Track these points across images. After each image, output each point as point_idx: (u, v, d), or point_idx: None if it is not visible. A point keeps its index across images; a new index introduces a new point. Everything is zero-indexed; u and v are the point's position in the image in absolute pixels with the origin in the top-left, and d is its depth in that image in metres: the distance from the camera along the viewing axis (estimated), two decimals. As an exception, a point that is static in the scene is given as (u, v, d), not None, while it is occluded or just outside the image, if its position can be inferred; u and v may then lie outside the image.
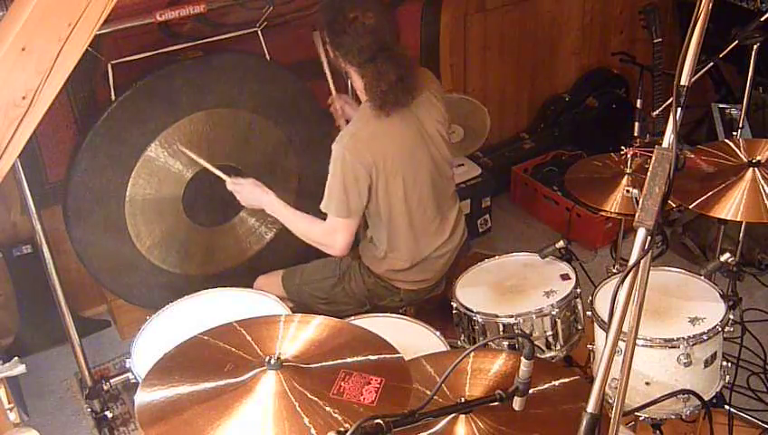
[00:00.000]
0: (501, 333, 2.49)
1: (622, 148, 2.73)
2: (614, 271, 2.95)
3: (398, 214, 2.61)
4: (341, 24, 2.41)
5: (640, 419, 2.33)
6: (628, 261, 1.35)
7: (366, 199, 2.53)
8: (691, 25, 1.35)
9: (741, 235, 2.81)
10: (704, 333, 2.22)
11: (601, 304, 2.38)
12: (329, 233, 2.57)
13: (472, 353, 1.91)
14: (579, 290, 2.57)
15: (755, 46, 2.95)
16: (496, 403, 1.63)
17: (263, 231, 3.32)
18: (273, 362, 1.63)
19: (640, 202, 1.34)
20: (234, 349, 1.74)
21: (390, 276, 2.73)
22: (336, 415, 1.53)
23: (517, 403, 1.62)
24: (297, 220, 2.67)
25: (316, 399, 1.57)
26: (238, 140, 3.10)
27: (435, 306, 2.93)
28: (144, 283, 3.12)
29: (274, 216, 2.74)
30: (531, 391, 1.61)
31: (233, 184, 2.78)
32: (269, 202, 2.71)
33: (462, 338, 2.61)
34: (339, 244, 2.56)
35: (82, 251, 2.96)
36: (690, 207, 2.39)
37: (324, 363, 1.68)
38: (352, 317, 2.46)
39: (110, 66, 2.74)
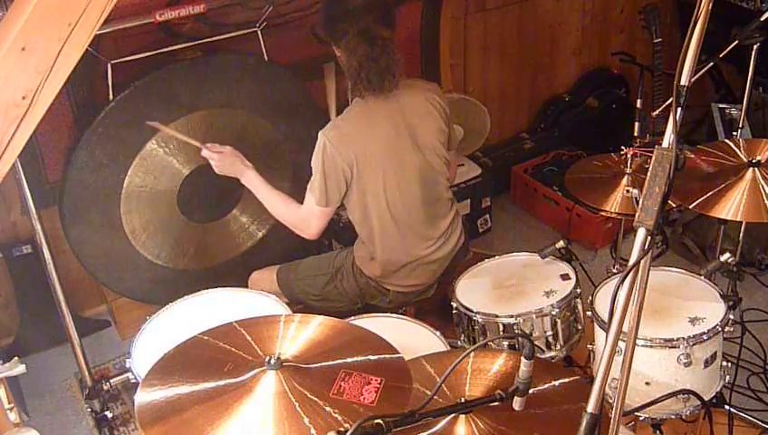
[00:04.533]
0: (501, 333, 2.49)
1: (622, 148, 2.74)
2: (614, 271, 2.95)
3: (380, 214, 2.62)
4: (331, 6, 2.55)
5: (640, 419, 2.33)
6: (628, 261, 1.35)
7: (344, 191, 2.57)
8: (691, 25, 1.35)
9: (741, 235, 2.81)
10: (704, 333, 2.23)
11: (601, 304, 2.38)
12: (305, 218, 2.62)
13: (472, 353, 1.91)
14: (579, 290, 2.57)
15: (755, 46, 2.95)
16: (496, 403, 1.63)
17: (254, 229, 3.34)
18: (273, 362, 1.63)
19: (640, 202, 1.34)
20: (234, 349, 1.74)
21: (380, 278, 2.75)
22: (336, 415, 1.53)
23: (517, 403, 1.62)
24: (274, 199, 2.69)
25: (316, 399, 1.57)
26: (235, 139, 3.08)
27: (435, 306, 2.93)
28: (138, 277, 3.15)
29: (251, 189, 2.73)
30: (531, 391, 1.61)
31: (209, 151, 2.72)
32: (248, 175, 2.70)
33: (462, 338, 2.62)
34: (312, 229, 2.63)
35: (78, 247, 2.99)
36: (690, 207, 2.39)
37: (324, 363, 1.68)
38: (352, 317, 2.46)
39: (109, 66, 2.74)
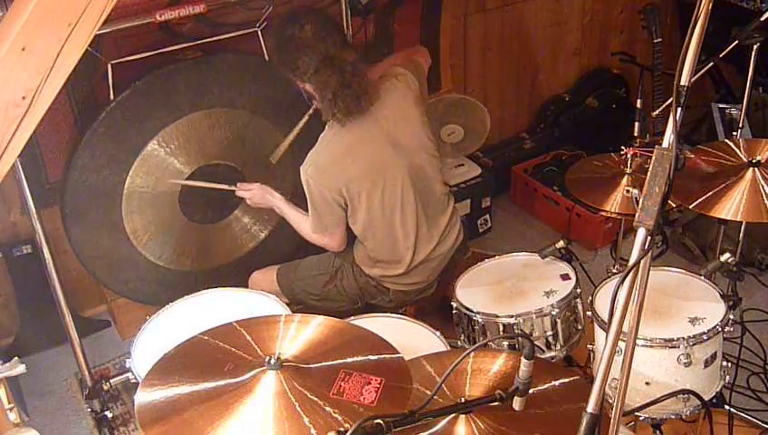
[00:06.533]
0: (501, 333, 2.49)
1: (622, 148, 2.73)
2: (614, 271, 2.95)
3: (379, 226, 2.63)
4: (283, 43, 2.47)
5: (640, 419, 2.33)
6: (628, 261, 1.35)
7: (342, 214, 2.62)
8: (691, 25, 1.35)
9: (741, 235, 2.81)
10: (704, 333, 2.22)
11: (601, 304, 2.38)
12: (319, 239, 2.72)
13: (472, 353, 1.91)
14: (579, 290, 2.57)
15: (755, 46, 2.95)
16: (496, 403, 1.63)
17: (257, 229, 3.34)
18: (273, 362, 1.63)
19: (640, 202, 1.34)
20: (234, 349, 1.74)
21: (381, 278, 2.75)
22: (336, 415, 1.53)
23: (517, 403, 1.62)
24: (299, 220, 2.77)
25: (316, 399, 1.57)
26: (236, 140, 3.10)
27: (435, 306, 2.94)
28: (140, 278, 3.14)
29: (282, 215, 2.84)
30: (531, 391, 1.61)
31: (242, 191, 2.91)
32: (277, 204, 2.84)
33: (462, 338, 2.62)
34: (330, 246, 2.75)
35: (79, 248, 2.98)
36: (690, 207, 2.39)
37: (324, 363, 1.69)
38: (352, 317, 2.47)
39: (109, 66, 2.75)
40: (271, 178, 3.11)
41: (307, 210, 2.68)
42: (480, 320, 2.50)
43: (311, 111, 2.86)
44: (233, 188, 2.96)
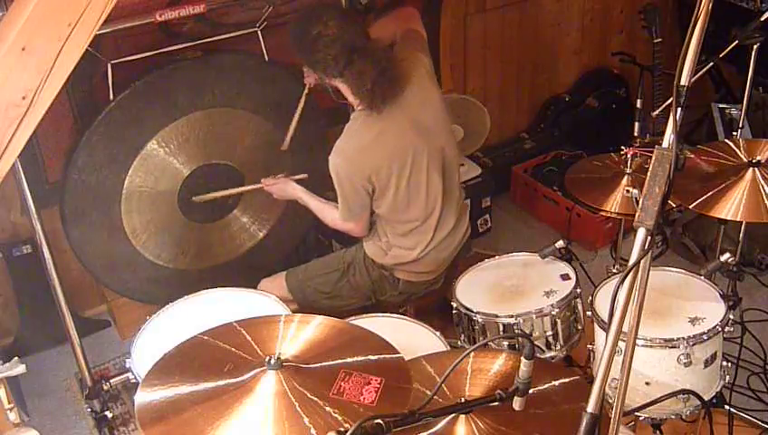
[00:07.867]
0: (501, 333, 2.49)
1: (622, 148, 2.74)
2: (614, 271, 2.95)
3: (404, 208, 2.64)
4: (308, 43, 2.47)
5: (640, 419, 2.33)
6: (628, 261, 1.35)
7: (368, 202, 2.63)
8: (691, 25, 1.35)
9: (741, 235, 2.81)
10: (704, 333, 2.23)
11: (601, 304, 2.38)
12: (344, 225, 2.75)
13: (472, 353, 1.91)
14: (579, 290, 2.57)
15: (755, 46, 2.95)
16: (496, 403, 1.63)
17: (255, 229, 3.34)
18: (273, 362, 1.63)
19: (640, 202, 1.34)
20: (234, 349, 1.74)
21: (393, 267, 2.76)
22: (336, 415, 1.53)
23: (517, 403, 1.62)
24: (322, 209, 2.81)
25: (316, 399, 1.57)
26: (236, 140, 3.11)
27: (435, 306, 2.94)
28: (139, 277, 3.15)
29: (305, 205, 2.88)
30: (531, 391, 1.61)
31: (267, 186, 2.97)
32: (299, 195, 2.89)
33: (462, 338, 2.62)
34: (355, 232, 2.77)
35: (78, 247, 2.99)
36: (690, 207, 2.39)
37: (324, 363, 1.69)
38: (352, 317, 2.47)
39: (109, 66, 2.75)
40: (273, 175, 3.11)
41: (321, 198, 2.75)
42: (480, 320, 2.50)
43: (306, 89, 2.89)
44: (260, 185, 3.00)
